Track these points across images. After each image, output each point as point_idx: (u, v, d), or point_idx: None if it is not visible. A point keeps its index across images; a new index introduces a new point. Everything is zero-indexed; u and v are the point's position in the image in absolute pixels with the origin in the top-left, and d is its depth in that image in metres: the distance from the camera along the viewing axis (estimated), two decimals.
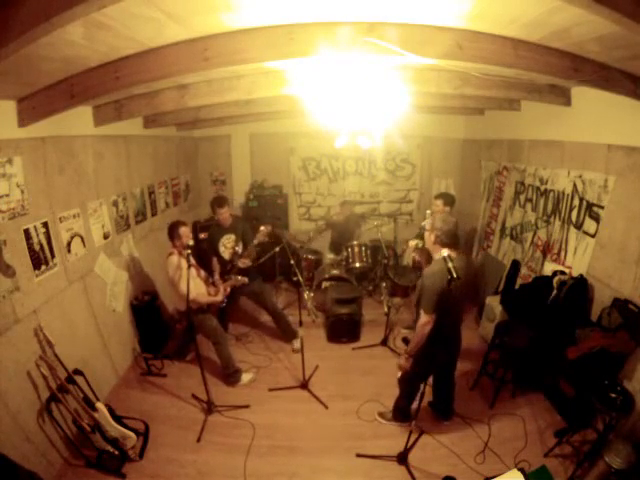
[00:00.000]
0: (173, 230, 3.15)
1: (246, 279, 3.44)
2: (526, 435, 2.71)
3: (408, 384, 2.71)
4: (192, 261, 3.21)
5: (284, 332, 3.93)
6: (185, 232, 3.13)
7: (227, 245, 3.66)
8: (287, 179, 5.87)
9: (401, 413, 2.84)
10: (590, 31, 1.63)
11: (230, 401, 3.12)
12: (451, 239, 2.35)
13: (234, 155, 5.84)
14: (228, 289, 3.36)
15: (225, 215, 3.58)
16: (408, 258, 5.18)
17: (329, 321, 4.04)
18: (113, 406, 2.69)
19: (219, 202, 3.56)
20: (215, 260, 3.70)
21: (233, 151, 5.83)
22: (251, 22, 1.66)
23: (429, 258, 2.54)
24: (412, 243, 2.69)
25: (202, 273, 3.38)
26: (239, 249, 3.60)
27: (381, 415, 2.96)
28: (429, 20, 1.69)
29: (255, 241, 3.57)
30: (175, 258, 3.09)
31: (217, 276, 3.62)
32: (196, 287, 3.14)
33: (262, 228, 3.50)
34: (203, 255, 3.79)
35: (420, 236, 3.55)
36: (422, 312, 2.33)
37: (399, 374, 2.52)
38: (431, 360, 2.49)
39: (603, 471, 2.07)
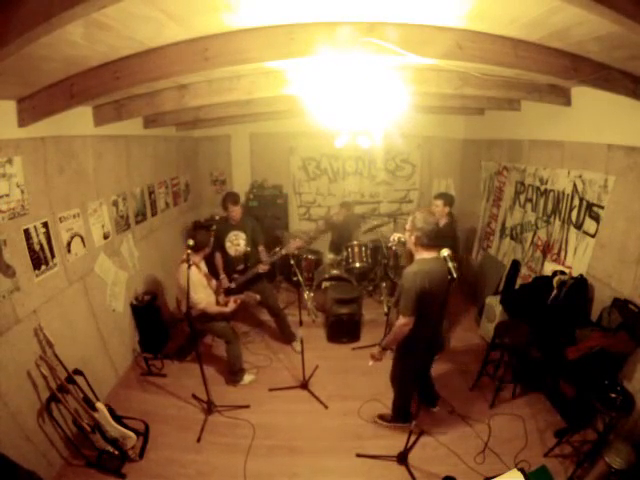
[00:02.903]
0: (203, 239, 3.06)
1: (258, 297, 3.52)
2: (526, 435, 2.71)
3: (400, 383, 2.74)
4: (204, 269, 3.25)
5: (283, 333, 3.93)
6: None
7: (234, 241, 3.64)
8: (287, 179, 5.87)
9: (401, 414, 2.83)
10: (590, 31, 1.63)
11: (230, 401, 3.12)
12: (433, 240, 2.24)
13: (234, 155, 5.85)
14: (239, 301, 3.29)
15: (238, 212, 3.56)
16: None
17: (329, 321, 4.04)
18: (113, 406, 2.69)
19: (234, 199, 3.52)
20: (218, 255, 3.68)
21: (233, 151, 5.83)
22: (251, 22, 1.66)
23: (410, 255, 2.45)
24: (395, 237, 2.63)
25: (213, 283, 3.36)
26: (247, 248, 3.61)
27: (381, 417, 2.95)
28: (429, 20, 1.69)
29: (283, 251, 3.59)
30: (187, 266, 2.84)
31: (223, 275, 3.61)
32: (207, 297, 3.13)
33: (294, 241, 3.48)
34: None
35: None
36: (400, 314, 2.29)
37: (370, 363, 2.54)
38: (415, 358, 2.54)
39: (603, 471, 2.07)
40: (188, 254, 2.70)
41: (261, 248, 3.72)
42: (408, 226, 2.32)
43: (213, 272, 3.65)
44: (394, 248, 2.31)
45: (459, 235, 3.65)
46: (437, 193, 3.79)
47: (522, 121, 3.91)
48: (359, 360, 3.75)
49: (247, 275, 3.60)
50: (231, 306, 3.20)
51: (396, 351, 2.61)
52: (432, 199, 3.72)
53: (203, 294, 3.08)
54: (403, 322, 2.29)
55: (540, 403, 3.01)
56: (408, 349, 2.48)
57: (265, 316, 4.27)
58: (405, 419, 2.81)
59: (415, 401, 2.81)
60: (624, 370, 2.41)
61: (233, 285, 3.59)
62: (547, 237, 3.47)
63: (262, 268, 3.54)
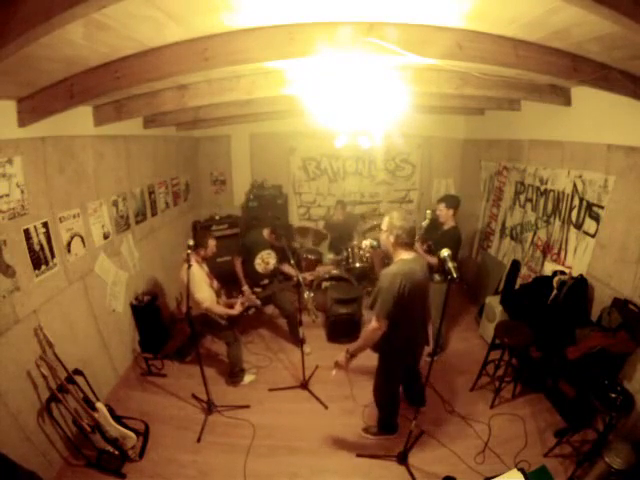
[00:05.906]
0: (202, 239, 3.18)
1: (259, 302, 3.56)
2: (526, 435, 2.71)
3: (384, 394, 2.65)
4: (206, 269, 3.29)
5: (292, 335, 3.93)
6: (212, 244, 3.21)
7: (265, 259, 3.73)
8: (287, 179, 5.87)
9: (386, 426, 2.77)
10: (590, 31, 1.63)
11: (230, 401, 3.12)
12: (412, 239, 2.22)
13: (234, 155, 5.84)
14: (246, 304, 3.38)
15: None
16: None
17: (329, 321, 4.04)
18: (113, 406, 2.70)
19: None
20: (239, 265, 3.73)
21: (233, 151, 5.83)
22: (251, 22, 1.66)
23: (383, 259, 2.41)
24: (366, 243, 2.57)
25: (215, 283, 3.37)
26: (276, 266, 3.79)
27: (366, 430, 2.85)
28: (429, 20, 1.69)
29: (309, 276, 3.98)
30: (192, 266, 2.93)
31: (245, 286, 3.67)
32: (209, 296, 3.15)
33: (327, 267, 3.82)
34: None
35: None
36: (374, 317, 2.17)
37: (334, 372, 2.38)
38: (398, 365, 2.47)
39: (603, 471, 2.07)
40: (188, 254, 2.70)
41: (285, 265, 3.84)
42: (385, 226, 2.24)
43: (234, 280, 3.76)
44: (367, 255, 2.35)
45: (463, 240, 3.55)
46: (441, 197, 3.63)
47: (522, 121, 3.91)
48: (359, 360, 3.72)
49: (280, 286, 3.77)
50: (238, 309, 3.21)
51: (379, 359, 2.51)
52: (436, 204, 3.62)
53: (207, 292, 3.10)
54: (375, 326, 2.16)
55: (540, 403, 3.00)
56: (389, 356, 2.38)
57: (265, 316, 4.26)
58: (390, 430, 2.77)
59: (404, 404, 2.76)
60: (624, 370, 2.41)
61: (259, 303, 3.59)
62: (547, 237, 3.47)
63: (301, 279, 3.49)
